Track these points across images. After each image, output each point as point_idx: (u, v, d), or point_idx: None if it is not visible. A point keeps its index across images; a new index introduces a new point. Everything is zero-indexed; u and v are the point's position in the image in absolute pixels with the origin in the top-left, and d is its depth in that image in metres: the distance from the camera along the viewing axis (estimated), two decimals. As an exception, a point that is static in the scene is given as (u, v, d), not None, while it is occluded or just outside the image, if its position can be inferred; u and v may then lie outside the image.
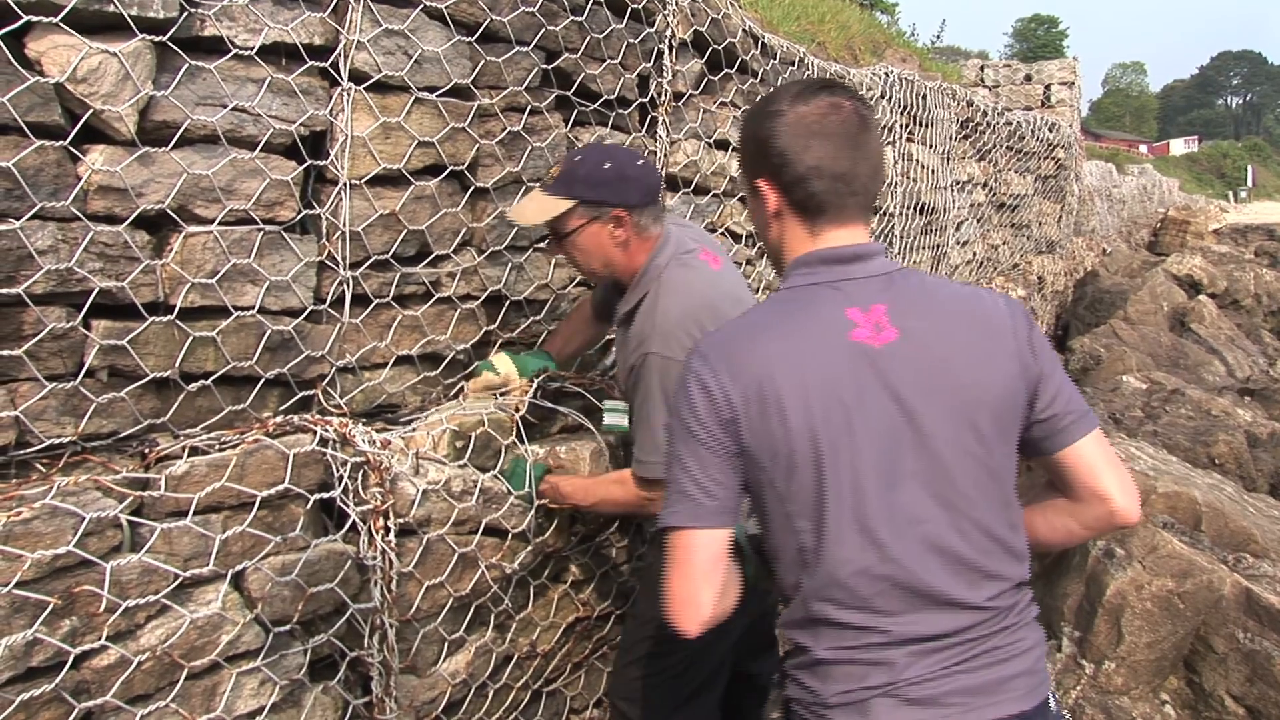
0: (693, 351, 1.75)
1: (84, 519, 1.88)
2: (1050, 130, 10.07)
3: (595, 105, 3.31)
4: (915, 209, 6.39)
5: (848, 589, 1.69)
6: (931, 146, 6.63)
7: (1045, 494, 1.91)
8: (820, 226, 1.77)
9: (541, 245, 3.13)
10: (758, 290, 4.55)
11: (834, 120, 1.73)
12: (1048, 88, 13.03)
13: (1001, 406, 1.72)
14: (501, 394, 2.93)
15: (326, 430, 2.39)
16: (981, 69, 13.77)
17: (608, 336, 3.46)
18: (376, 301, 2.68)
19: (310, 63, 2.39)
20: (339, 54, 2.46)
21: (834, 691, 1.71)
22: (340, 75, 2.48)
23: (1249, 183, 56.41)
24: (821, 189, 1.73)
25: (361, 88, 2.52)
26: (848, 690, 1.70)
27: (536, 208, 2.61)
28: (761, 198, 1.80)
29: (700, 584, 1.70)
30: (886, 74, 5.92)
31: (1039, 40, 67.95)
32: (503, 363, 2.97)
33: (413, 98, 2.65)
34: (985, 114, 7.99)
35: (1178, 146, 68.53)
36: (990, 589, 1.72)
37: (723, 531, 1.73)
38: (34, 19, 1.88)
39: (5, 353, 1.93)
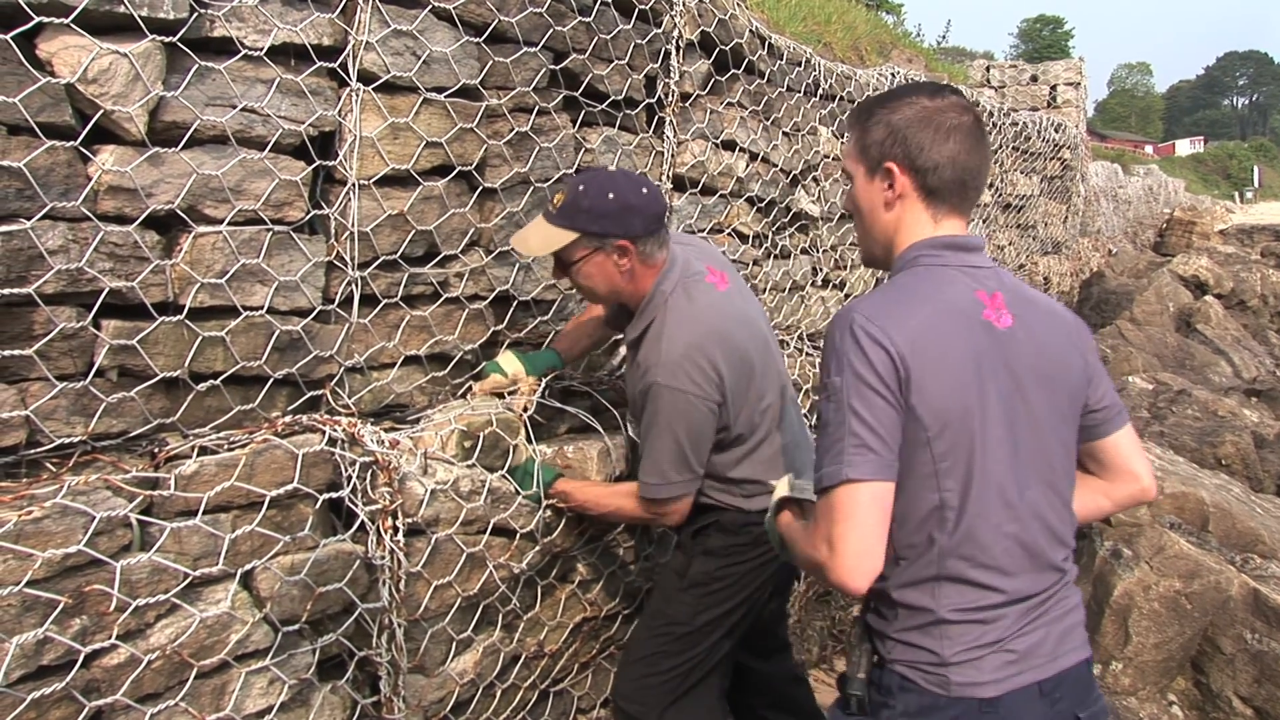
0: (852, 311, 1.83)
1: (94, 518, 1.88)
2: (1056, 131, 10.05)
3: (603, 106, 3.31)
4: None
5: (983, 546, 1.84)
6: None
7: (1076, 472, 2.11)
8: (942, 215, 1.95)
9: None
10: (763, 291, 4.55)
11: (966, 120, 1.92)
12: (1053, 88, 13.01)
13: (1076, 394, 1.96)
14: (509, 393, 2.94)
15: (335, 430, 2.40)
16: (987, 69, 13.76)
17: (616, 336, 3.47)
18: (385, 301, 2.68)
19: (319, 63, 2.40)
20: (348, 54, 2.47)
21: (952, 651, 1.85)
22: (349, 76, 2.48)
23: (1255, 183, 56.25)
24: (952, 179, 1.91)
25: (370, 88, 2.52)
26: (965, 649, 1.84)
27: (540, 239, 2.64)
28: (890, 179, 1.94)
29: (877, 537, 1.77)
30: (893, 75, 5.91)
31: (1044, 41, 67.82)
32: (509, 362, 2.97)
33: (421, 98, 2.66)
34: (991, 115, 7.98)
35: (1183, 147, 68.41)
36: (1064, 552, 1.96)
37: (893, 486, 1.81)
38: (45, 20, 1.88)
39: (16, 352, 1.94)
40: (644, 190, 2.62)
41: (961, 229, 1.96)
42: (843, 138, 5.12)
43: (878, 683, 1.93)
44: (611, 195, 2.57)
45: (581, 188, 2.59)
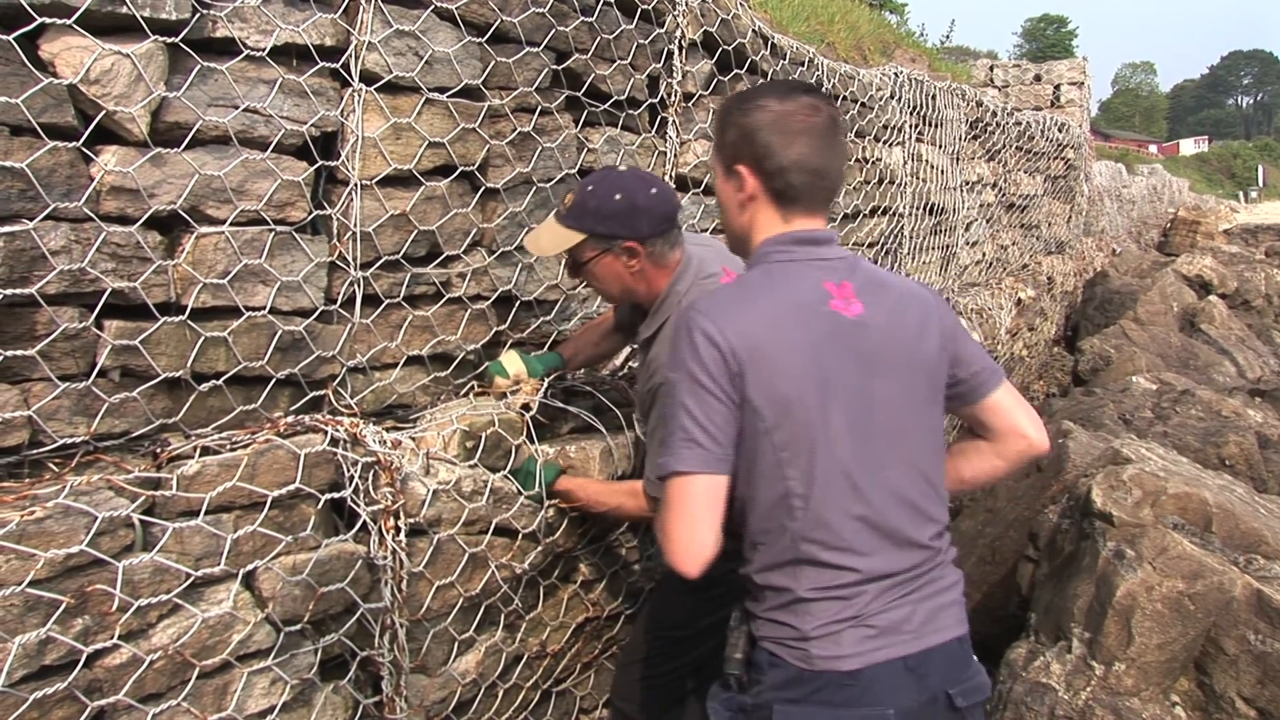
0: (693, 310, 1.91)
1: (96, 518, 1.88)
2: (1060, 130, 10.05)
3: (605, 106, 3.31)
4: (925, 209, 6.38)
5: (833, 530, 1.91)
6: (941, 147, 6.62)
7: (964, 441, 2.24)
8: (792, 214, 2.00)
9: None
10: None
11: (815, 121, 1.95)
12: (1057, 88, 13.01)
13: (935, 373, 2.03)
14: (511, 393, 2.94)
15: (337, 430, 2.40)
16: (991, 69, 13.76)
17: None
18: (387, 302, 2.68)
19: (321, 64, 2.40)
20: (350, 55, 2.47)
21: (812, 626, 1.92)
22: (351, 76, 2.48)
23: (1260, 183, 56.22)
24: (800, 181, 1.95)
25: (372, 88, 2.52)
26: (823, 624, 1.91)
27: (550, 239, 2.63)
28: (739, 181, 2.00)
29: (703, 526, 1.88)
30: (896, 74, 5.91)
31: (1048, 40, 67.76)
32: (512, 362, 2.97)
33: (423, 98, 2.66)
34: (995, 114, 7.98)
35: (1188, 146, 68.37)
36: (931, 529, 2.01)
37: (724, 478, 1.90)
38: (47, 21, 1.88)
39: (18, 352, 1.94)
40: (653, 190, 2.61)
41: (816, 224, 2.01)
42: (845, 137, 5.13)
43: (752, 661, 2.02)
44: (619, 196, 2.56)
45: (590, 188, 2.59)
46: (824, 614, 1.92)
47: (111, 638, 1.92)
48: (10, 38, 1.84)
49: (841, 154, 2.02)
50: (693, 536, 1.87)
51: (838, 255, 2.01)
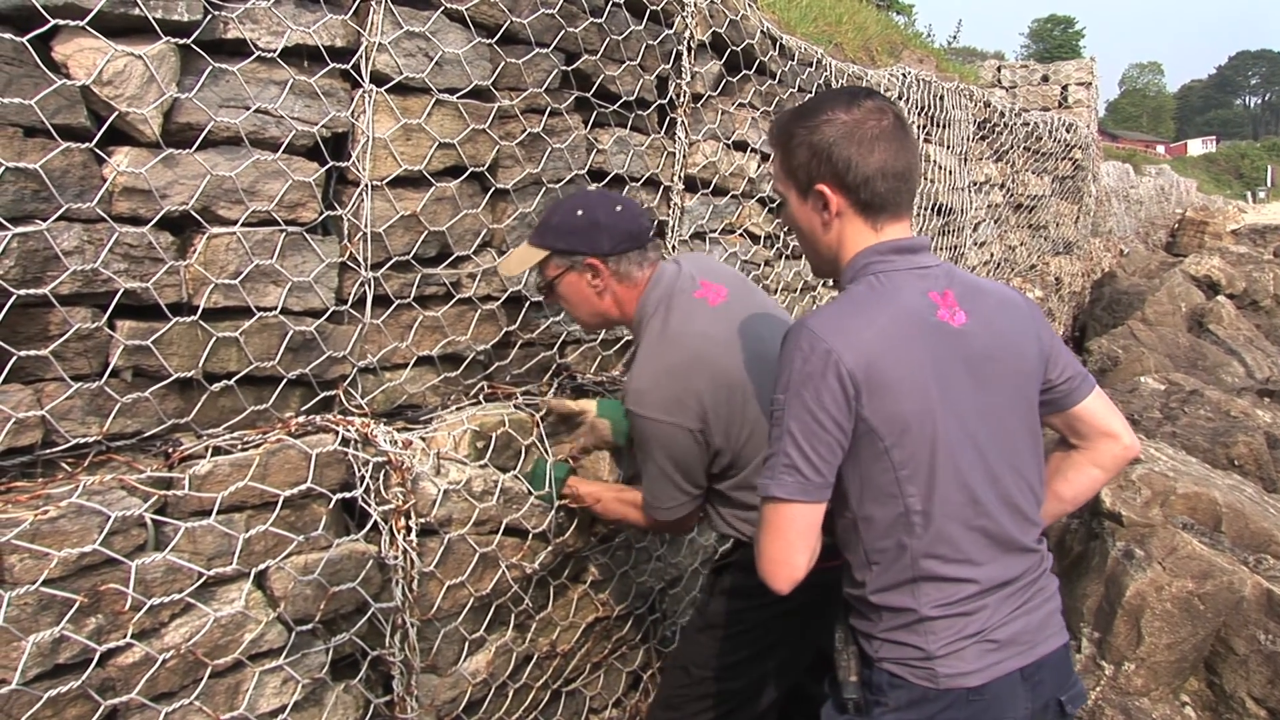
0: (806, 328, 1.87)
1: (109, 518, 1.89)
2: (1067, 131, 10.04)
3: (614, 106, 3.32)
4: (933, 210, 6.38)
5: (953, 544, 1.91)
6: (949, 147, 6.62)
7: (1058, 456, 2.23)
8: (882, 222, 1.97)
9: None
10: (775, 291, 4.55)
11: (886, 124, 1.94)
12: (1064, 88, 12.98)
13: (1033, 378, 2.02)
14: (575, 424, 3.02)
15: (348, 430, 2.41)
16: (998, 70, 13.74)
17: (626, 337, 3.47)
18: (398, 302, 2.69)
19: (332, 65, 2.41)
20: (360, 56, 2.47)
21: (937, 645, 1.92)
22: (361, 77, 2.49)
23: (1268, 183, 56.09)
24: (885, 188, 1.94)
25: (383, 89, 2.53)
26: (948, 642, 1.92)
27: (517, 258, 2.68)
28: (822, 200, 1.97)
29: (797, 550, 1.90)
30: (904, 75, 5.91)
31: (1055, 41, 67.72)
32: (604, 407, 3.00)
33: (433, 99, 2.67)
34: (1002, 115, 7.97)
35: (1195, 147, 68.23)
36: (1034, 533, 2.03)
37: (822, 506, 1.92)
38: (61, 23, 1.89)
39: (32, 353, 1.95)
40: (618, 208, 2.61)
41: (905, 231, 2.00)
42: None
43: (868, 682, 2.01)
44: (580, 212, 2.58)
45: (555, 206, 2.64)
46: (948, 632, 1.92)
47: (124, 637, 1.93)
48: (24, 39, 1.85)
49: (915, 152, 2.00)
50: (786, 559, 1.90)
51: (934, 263, 2.00)
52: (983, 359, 1.93)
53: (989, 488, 1.93)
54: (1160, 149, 55.28)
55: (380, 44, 2.50)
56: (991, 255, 8.10)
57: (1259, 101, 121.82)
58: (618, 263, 2.60)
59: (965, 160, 7.00)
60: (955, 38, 22.07)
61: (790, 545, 1.90)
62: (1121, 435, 2.15)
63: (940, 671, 1.91)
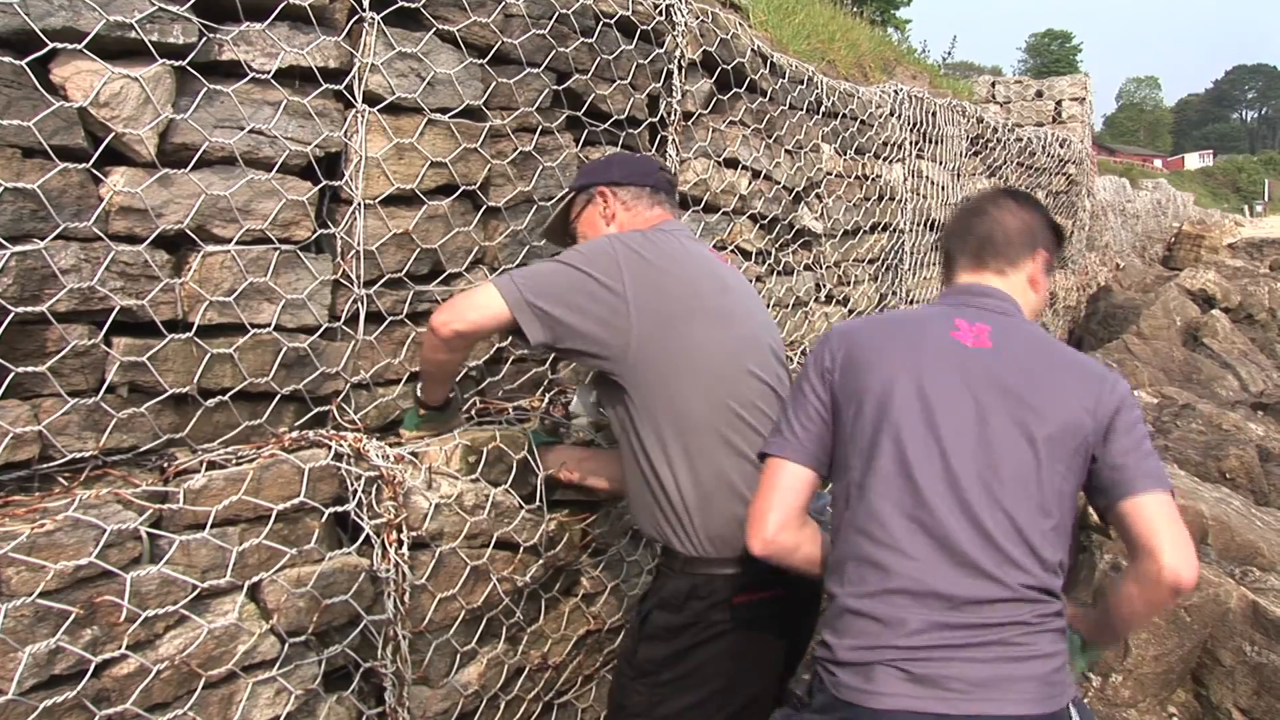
0: (832, 328, 2.20)
1: (105, 531, 1.92)
2: (1061, 146, 10.09)
3: (605, 125, 3.36)
4: (926, 225, 6.42)
5: (882, 524, 1.91)
6: (941, 163, 6.67)
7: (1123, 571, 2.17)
8: (958, 271, 2.27)
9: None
10: (768, 306, 4.58)
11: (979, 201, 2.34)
12: (1059, 103, 13.04)
13: (1065, 438, 1.92)
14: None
15: (341, 445, 2.44)
16: (993, 85, 13.80)
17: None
18: (390, 319, 2.72)
19: (325, 85, 2.45)
20: (353, 77, 2.51)
21: (845, 647, 1.87)
22: (355, 98, 2.53)
23: (1265, 197, 56.15)
24: (955, 246, 2.30)
25: (375, 109, 2.57)
26: (857, 647, 1.85)
27: (554, 215, 2.75)
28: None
29: (771, 505, 2.06)
30: (896, 91, 5.96)
31: (1053, 55, 67.83)
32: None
33: (425, 119, 2.71)
34: (995, 130, 8.02)
35: (1192, 161, 68.30)
36: (1017, 575, 1.84)
37: (802, 468, 2.09)
38: (58, 46, 1.93)
39: (29, 369, 1.99)
40: (638, 158, 2.76)
41: (977, 278, 2.22)
42: (844, 155, 5.16)
43: (812, 676, 2.01)
44: (602, 159, 2.74)
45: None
46: (860, 634, 1.85)
47: (119, 648, 1.96)
48: (23, 62, 1.89)
49: (992, 218, 2.26)
50: (760, 514, 2.06)
51: (993, 308, 2.12)
52: (986, 381, 1.94)
53: (944, 489, 1.87)
54: (1157, 163, 55.39)
55: (373, 65, 2.54)
56: (985, 270, 8.14)
57: (1256, 116, 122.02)
58: (624, 191, 2.64)
59: (958, 176, 7.04)
60: (950, 53, 22.11)
61: (772, 499, 2.06)
62: (1160, 554, 1.85)
63: (842, 681, 1.85)
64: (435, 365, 2.56)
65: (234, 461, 2.27)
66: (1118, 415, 1.95)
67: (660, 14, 3.52)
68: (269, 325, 2.41)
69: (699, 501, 2.36)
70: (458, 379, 2.84)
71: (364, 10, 2.52)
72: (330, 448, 2.42)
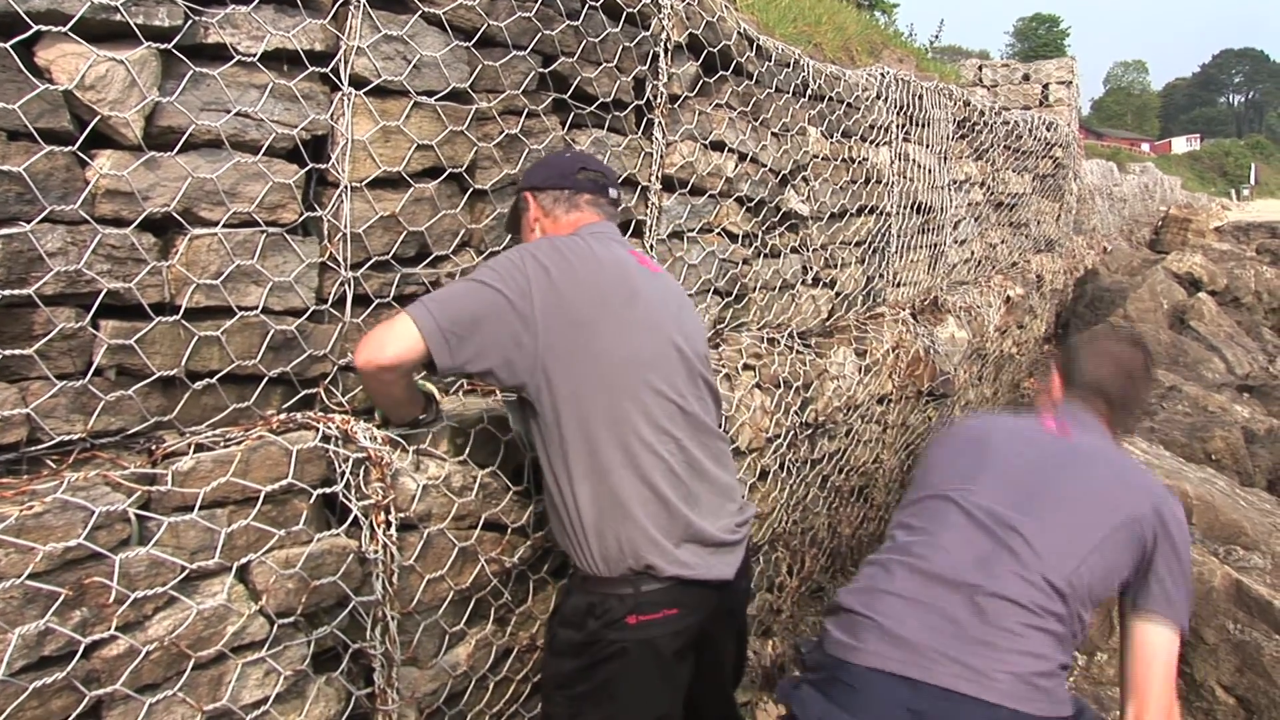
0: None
1: (94, 513, 1.93)
2: (1048, 129, 10.10)
3: (592, 108, 3.36)
4: (912, 208, 6.43)
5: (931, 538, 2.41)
6: (928, 146, 6.67)
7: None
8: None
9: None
10: (753, 290, 4.59)
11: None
12: (1045, 87, 13.05)
13: (1100, 526, 2.19)
14: None
15: (329, 427, 2.45)
16: (980, 68, 13.80)
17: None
18: (377, 301, 2.73)
19: (311, 68, 2.44)
20: (339, 59, 2.51)
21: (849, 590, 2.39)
22: (341, 80, 2.53)
23: (1251, 180, 56.35)
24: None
25: (361, 92, 2.57)
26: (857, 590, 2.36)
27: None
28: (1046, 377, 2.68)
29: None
30: (882, 75, 5.96)
31: (1040, 39, 67.85)
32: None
33: (412, 102, 2.71)
34: (982, 113, 8.03)
35: (1180, 145, 68.50)
36: (1004, 591, 2.13)
37: None
38: (43, 28, 1.93)
39: (17, 352, 1.99)
40: (567, 155, 2.74)
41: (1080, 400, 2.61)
42: (831, 138, 5.17)
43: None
44: (540, 160, 2.74)
45: None
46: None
47: (109, 629, 1.97)
48: (7, 45, 1.89)
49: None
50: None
51: (1072, 410, 2.53)
52: (1058, 467, 2.32)
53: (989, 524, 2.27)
54: (1145, 147, 55.56)
55: (359, 47, 2.54)
56: (972, 253, 8.16)
57: (1243, 100, 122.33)
58: (544, 196, 2.66)
59: (945, 159, 7.05)
60: (938, 37, 22.07)
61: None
62: (1141, 700, 2.05)
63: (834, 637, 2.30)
64: (381, 399, 2.56)
65: (222, 444, 2.28)
66: (1169, 549, 2.24)
67: (646, -3, 3.52)
68: (256, 308, 2.42)
69: (595, 520, 2.39)
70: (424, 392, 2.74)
71: (349, -7, 2.52)
72: (318, 429, 2.43)
